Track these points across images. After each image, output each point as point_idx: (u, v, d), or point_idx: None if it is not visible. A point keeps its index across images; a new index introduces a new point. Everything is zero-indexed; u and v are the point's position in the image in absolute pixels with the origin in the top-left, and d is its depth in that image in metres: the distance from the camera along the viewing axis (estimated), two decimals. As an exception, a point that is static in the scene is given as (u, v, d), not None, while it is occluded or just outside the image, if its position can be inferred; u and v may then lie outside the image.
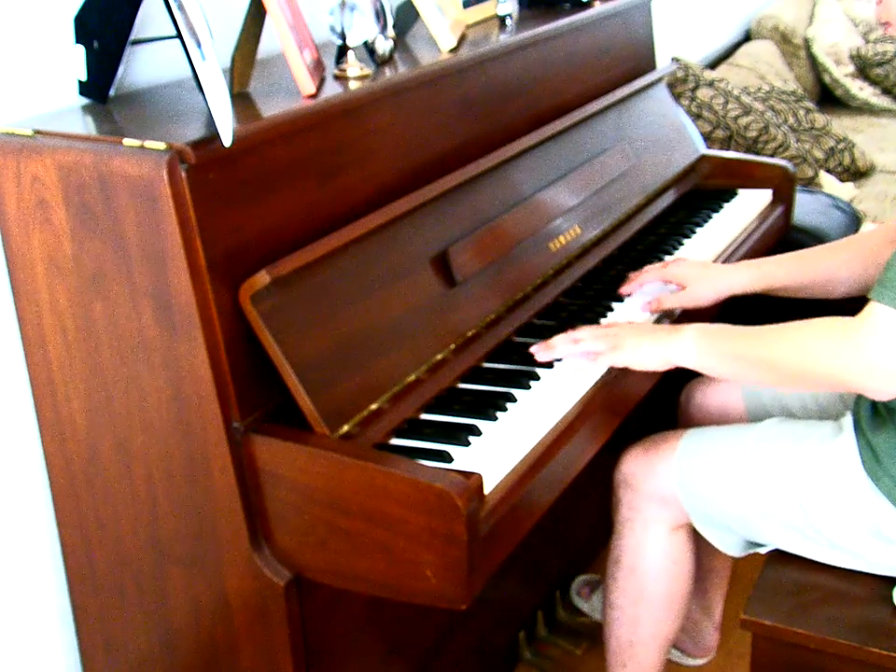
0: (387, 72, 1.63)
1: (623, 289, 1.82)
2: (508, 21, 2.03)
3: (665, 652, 1.77)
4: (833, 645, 1.42)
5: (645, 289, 1.82)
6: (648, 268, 1.84)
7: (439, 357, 1.51)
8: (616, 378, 1.57)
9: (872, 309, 1.35)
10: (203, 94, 1.24)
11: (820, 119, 3.46)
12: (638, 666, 1.75)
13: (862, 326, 1.36)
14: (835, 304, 1.72)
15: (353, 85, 1.53)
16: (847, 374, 1.37)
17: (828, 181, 3.22)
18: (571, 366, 1.54)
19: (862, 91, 4.25)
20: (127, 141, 1.25)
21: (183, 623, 1.45)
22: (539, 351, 1.55)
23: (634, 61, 2.37)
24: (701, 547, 1.75)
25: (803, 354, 1.42)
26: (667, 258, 1.99)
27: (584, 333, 1.56)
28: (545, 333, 1.63)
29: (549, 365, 1.56)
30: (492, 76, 1.83)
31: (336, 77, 1.57)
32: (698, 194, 2.34)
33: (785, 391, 1.76)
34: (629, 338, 1.55)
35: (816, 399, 1.75)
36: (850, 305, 1.43)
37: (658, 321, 1.77)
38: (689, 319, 1.81)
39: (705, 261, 1.93)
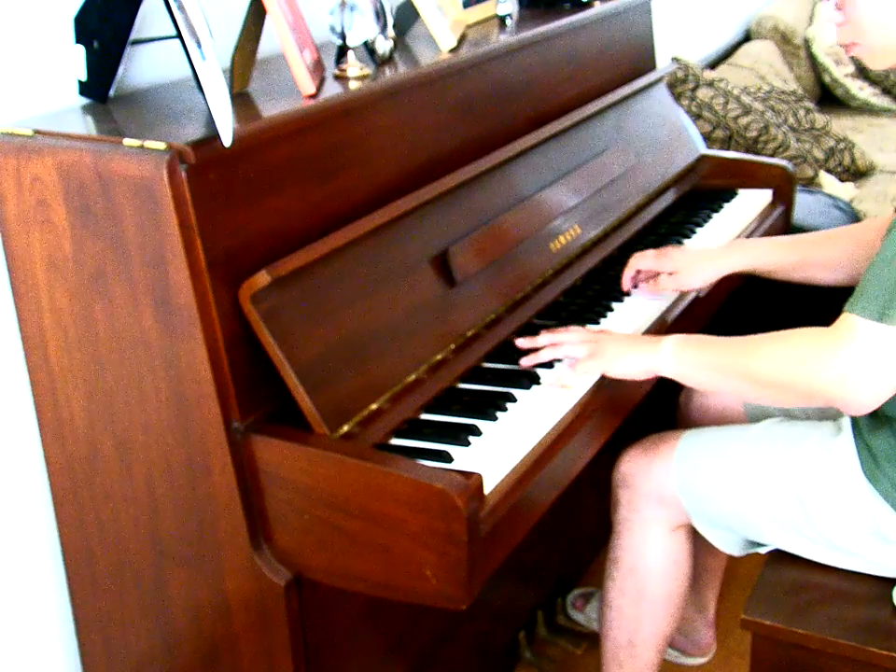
0: (387, 72, 1.63)
1: (625, 283, 1.83)
2: (508, 21, 2.04)
3: (663, 652, 1.77)
4: (832, 645, 1.42)
5: (641, 288, 1.83)
6: (636, 258, 1.84)
7: (439, 356, 1.51)
8: (615, 379, 1.56)
9: (845, 320, 1.35)
10: (203, 94, 1.24)
11: (820, 119, 3.45)
12: (636, 666, 1.75)
13: (837, 336, 1.35)
14: (827, 297, 1.72)
15: (353, 85, 1.53)
16: (821, 385, 1.36)
17: (828, 181, 3.22)
18: (552, 379, 1.53)
19: (862, 91, 4.24)
20: (127, 141, 1.25)
21: (183, 623, 1.45)
22: (526, 346, 1.57)
23: (634, 61, 2.37)
24: (696, 546, 1.75)
25: (779, 364, 1.41)
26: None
27: (567, 336, 1.56)
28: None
29: (549, 365, 1.56)
30: (492, 76, 1.83)
31: (336, 77, 1.57)
32: (698, 194, 2.34)
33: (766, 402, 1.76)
34: (610, 346, 1.54)
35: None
36: (840, 301, 1.42)
37: (663, 316, 1.78)
38: (692, 313, 1.82)
39: (694, 249, 1.93)
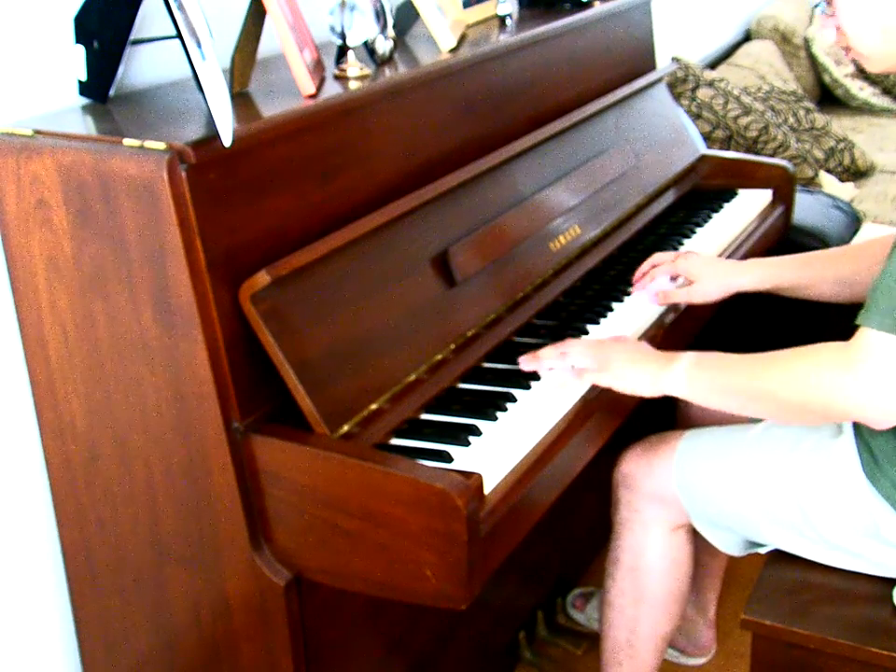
0: (387, 72, 1.63)
1: (635, 287, 1.83)
2: (508, 21, 2.04)
3: (662, 652, 1.77)
4: (832, 645, 1.41)
5: (652, 283, 1.83)
6: (657, 255, 1.84)
7: (439, 357, 1.51)
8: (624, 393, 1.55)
9: (861, 334, 1.33)
10: (203, 94, 1.24)
11: (820, 119, 3.46)
12: (635, 666, 1.75)
13: (855, 351, 1.32)
14: (842, 311, 1.71)
15: (353, 85, 1.53)
16: (844, 403, 1.33)
17: (828, 181, 3.22)
18: (555, 382, 1.51)
19: (862, 91, 4.25)
20: (127, 141, 1.25)
21: (183, 623, 1.45)
22: (526, 362, 1.53)
23: (634, 61, 2.37)
24: (697, 546, 1.75)
25: (797, 386, 1.37)
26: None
27: (574, 348, 1.52)
28: (545, 333, 1.62)
29: (549, 365, 1.56)
30: (492, 76, 1.83)
31: (336, 77, 1.57)
32: (698, 194, 2.34)
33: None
34: (618, 360, 1.50)
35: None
36: (848, 308, 1.41)
37: (662, 316, 1.78)
38: (692, 312, 1.81)
39: (713, 257, 1.93)
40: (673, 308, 1.81)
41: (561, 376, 1.52)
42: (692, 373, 1.46)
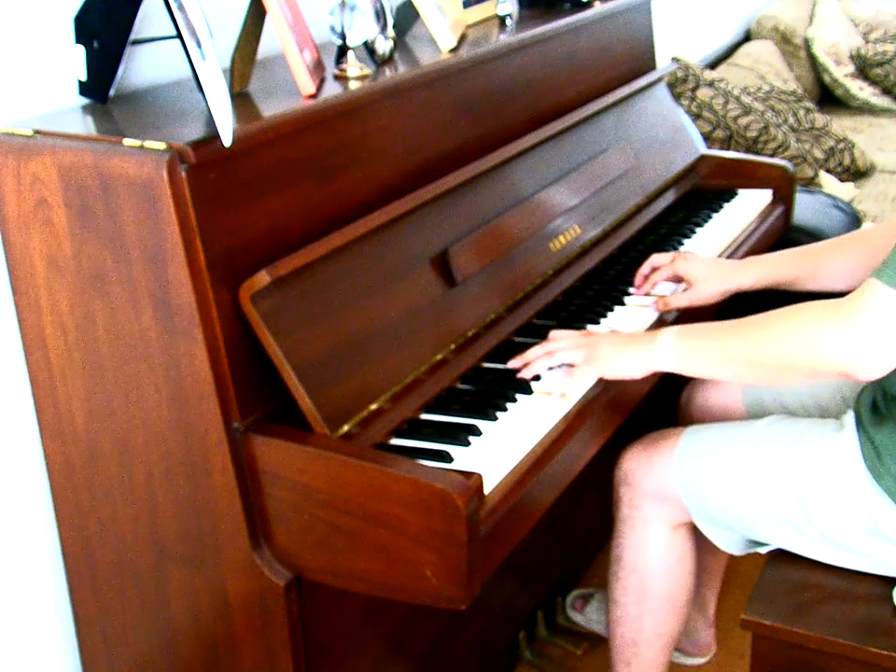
0: (387, 72, 1.63)
1: (638, 291, 1.83)
2: (508, 21, 2.04)
3: (670, 651, 1.76)
4: (832, 645, 1.42)
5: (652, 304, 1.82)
6: (655, 256, 1.84)
7: (439, 357, 1.51)
8: (615, 379, 1.56)
9: (869, 286, 1.33)
10: (203, 94, 1.24)
11: (820, 119, 3.46)
12: (642, 665, 1.74)
13: (852, 302, 1.33)
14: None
15: (353, 85, 1.53)
16: (834, 354, 1.33)
17: (828, 181, 3.22)
18: (553, 389, 1.50)
19: (862, 91, 4.25)
20: (127, 141, 1.25)
21: (183, 623, 1.45)
22: (518, 365, 1.54)
23: (634, 61, 2.37)
24: (697, 544, 1.74)
25: (786, 342, 1.38)
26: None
27: (560, 343, 1.53)
28: (545, 333, 1.62)
29: (549, 365, 1.56)
30: (492, 76, 1.83)
31: (336, 77, 1.57)
32: (698, 194, 2.34)
33: (782, 389, 1.76)
34: (605, 348, 1.52)
35: (816, 399, 1.75)
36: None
37: (663, 315, 1.78)
38: (692, 315, 1.81)
39: (711, 257, 1.93)
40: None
41: (556, 382, 1.52)
42: (679, 344, 1.48)
